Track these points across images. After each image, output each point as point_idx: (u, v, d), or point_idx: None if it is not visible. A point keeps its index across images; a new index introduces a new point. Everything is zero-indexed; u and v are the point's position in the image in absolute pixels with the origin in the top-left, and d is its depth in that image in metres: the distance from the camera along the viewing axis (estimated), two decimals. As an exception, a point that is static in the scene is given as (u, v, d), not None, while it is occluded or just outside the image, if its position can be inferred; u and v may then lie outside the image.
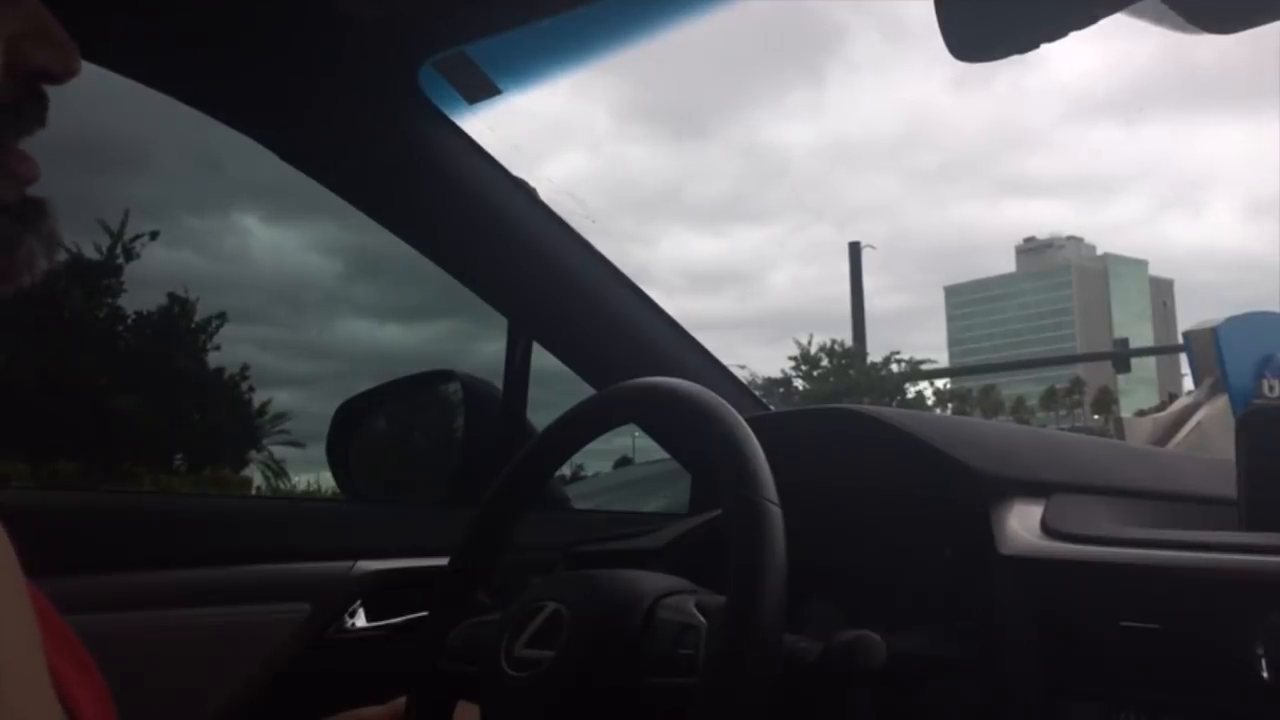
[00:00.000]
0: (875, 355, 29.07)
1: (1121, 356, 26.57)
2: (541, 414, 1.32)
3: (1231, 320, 5.74)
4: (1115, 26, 0.60)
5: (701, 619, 0.75)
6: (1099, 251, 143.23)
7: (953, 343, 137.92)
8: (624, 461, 3.92)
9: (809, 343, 29.23)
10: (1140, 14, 0.61)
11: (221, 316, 13.20)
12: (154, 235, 12.74)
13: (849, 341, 28.36)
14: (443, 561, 0.95)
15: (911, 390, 31.47)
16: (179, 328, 12.99)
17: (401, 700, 0.95)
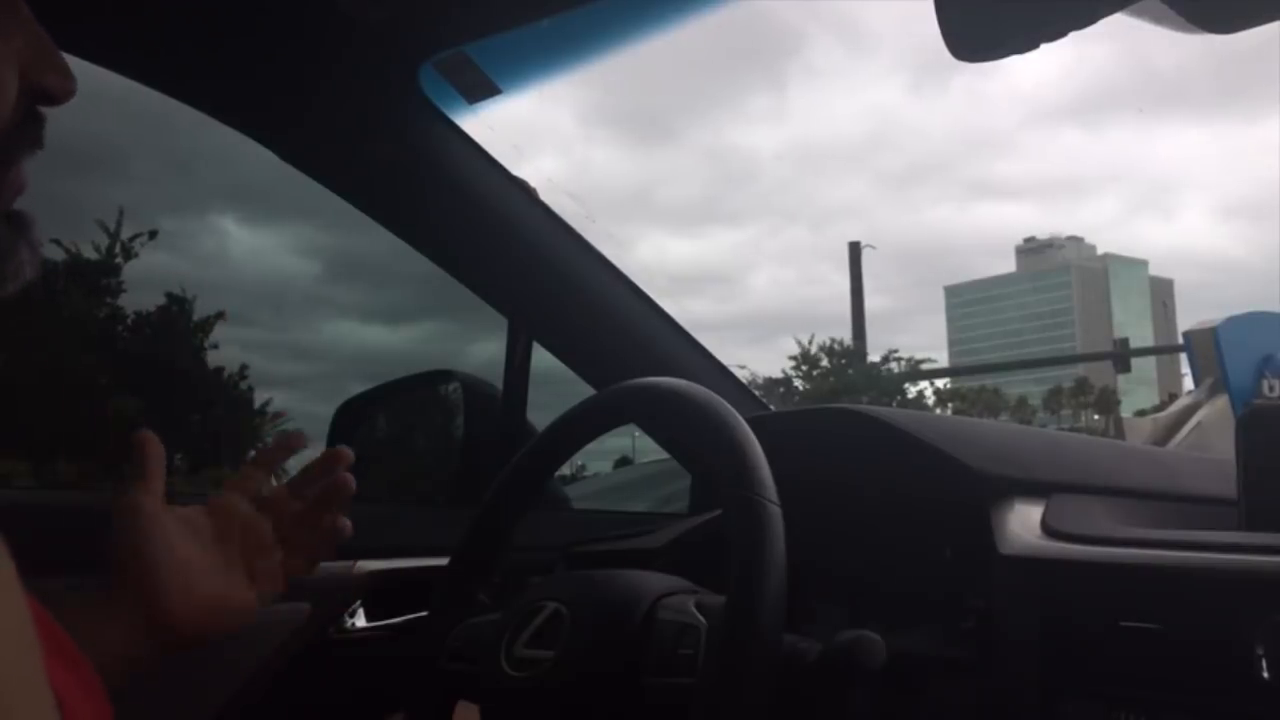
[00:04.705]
0: (871, 355, 29.07)
1: (1121, 356, 26.51)
2: (541, 414, 1.33)
3: (1231, 320, 5.73)
4: (1080, 32, 0.61)
5: (701, 619, 0.75)
6: (1099, 251, 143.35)
7: (953, 343, 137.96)
8: (624, 461, 3.93)
9: (809, 342, 29.24)
10: (1140, 14, 0.61)
11: (219, 316, 13.19)
12: (153, 235, 12.74)
13: (844, 341, 28.40)
14: (443, 561, 0.95)
15: (912, 390, 31.46)
16: (176, 328, 12.98)
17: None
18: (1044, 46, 0.62)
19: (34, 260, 0.58)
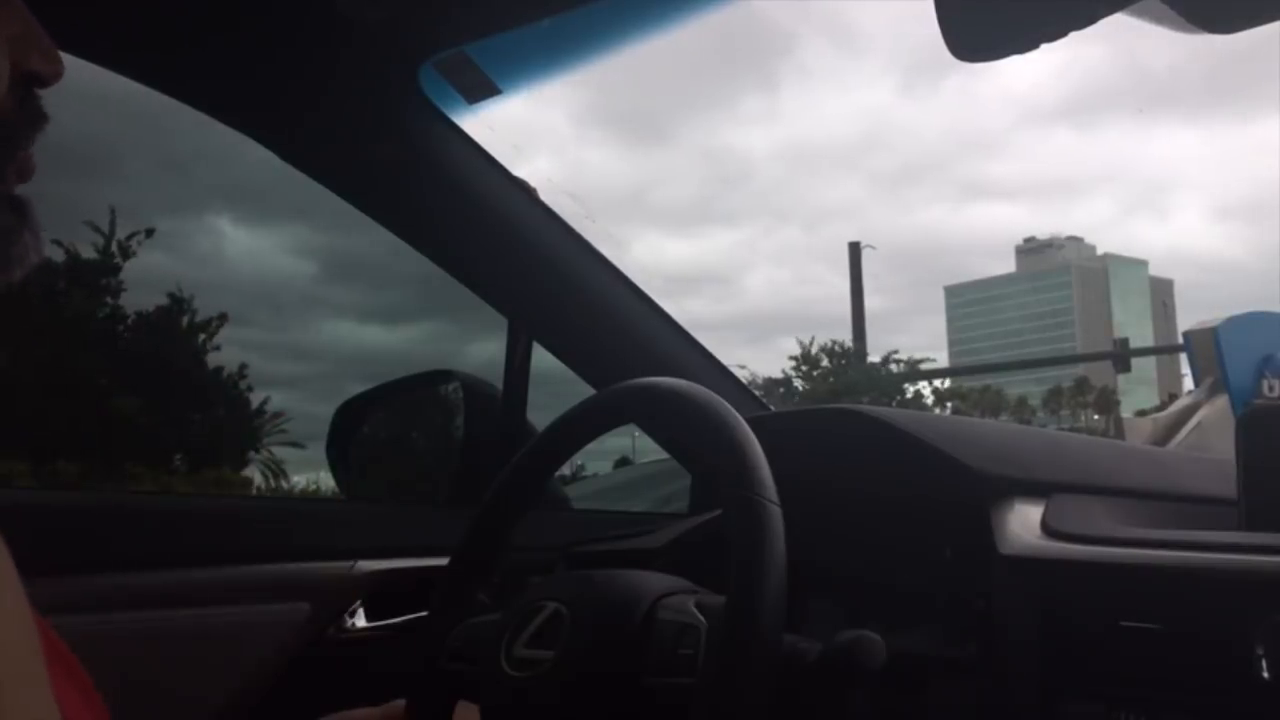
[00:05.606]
0: (871, 356, 29.08)
1: (1121, 356, 26.50)
2: (541, 414, 1.33)
3: (1231, 320, 5.73)
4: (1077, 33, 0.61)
5: (701, 619, 0.75)
6: (1099, 251, 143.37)
7: (953, 343, 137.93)
8: (624, 461, 3.92)
9: (810, 343, 29.28)
10: (1140, 14, 0.61)
11: (221, 317, 13.17)
12: (149, 233, 12.72)
13: (845, 342, 28.44)
14: (443, 561, 0.95)
15: (911, 390, 31.48)
16: (175, 328, 12.96)
17: (397, 702, 0.95)
18: (1040, 47, 0.62)
19: (37, 246, 0.58)
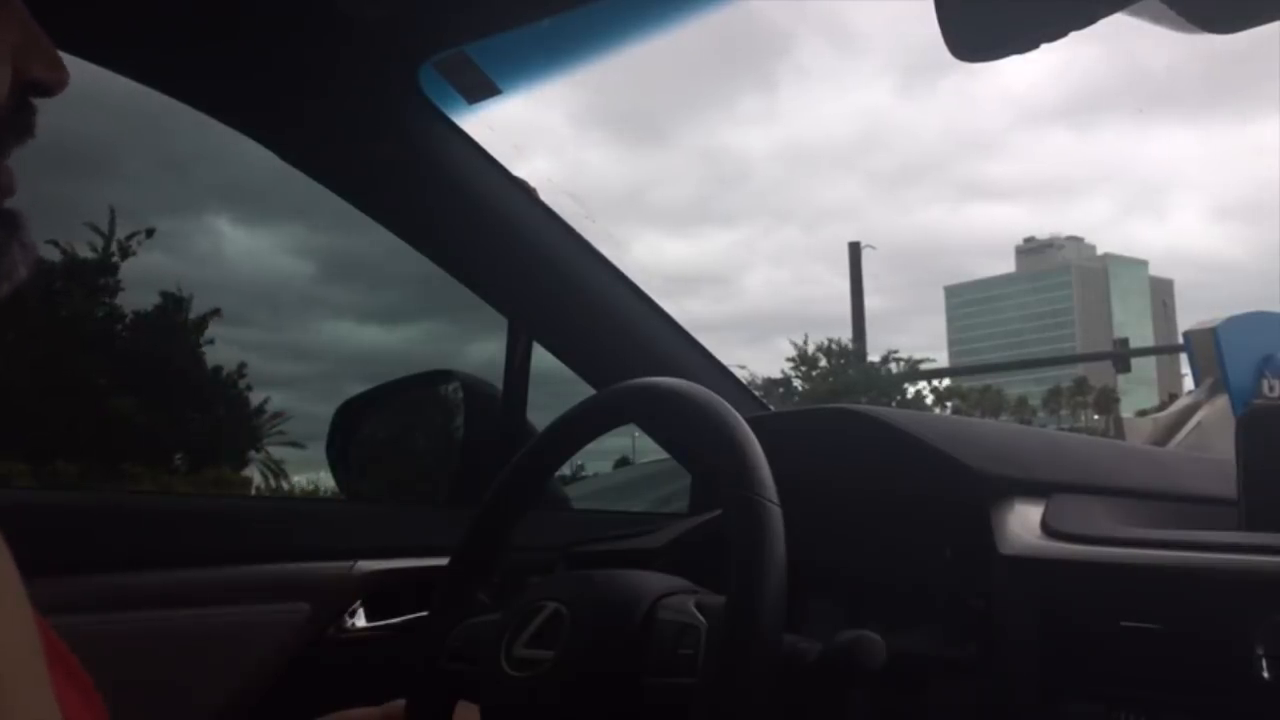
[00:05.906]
0: (870, 355, 29.05)
1: (1121, 356, 26.52)
2: (541, 414, 1.33)
3: (1231, 320, 5.74)
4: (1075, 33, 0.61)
5: (701, 619, 0.75)
6: (1099, 251, 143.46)
7: (952, 343, 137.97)
8: (624, 461, 3.92)
9: (804, 342, 29.24)
10: (1140, 14, 0.61)
11: (215, 313, 13.16)
12: (149, 233, 12.72)
13: (842, 340, 28.42)
14: (443, 561, 0.95)
15: (910, 390, 31.46)
16: (175, 328, 12.96)
17: (397, 702, 0.95)
18: (1040, 47, 0.62)
19: (27, 260, 0.57)
